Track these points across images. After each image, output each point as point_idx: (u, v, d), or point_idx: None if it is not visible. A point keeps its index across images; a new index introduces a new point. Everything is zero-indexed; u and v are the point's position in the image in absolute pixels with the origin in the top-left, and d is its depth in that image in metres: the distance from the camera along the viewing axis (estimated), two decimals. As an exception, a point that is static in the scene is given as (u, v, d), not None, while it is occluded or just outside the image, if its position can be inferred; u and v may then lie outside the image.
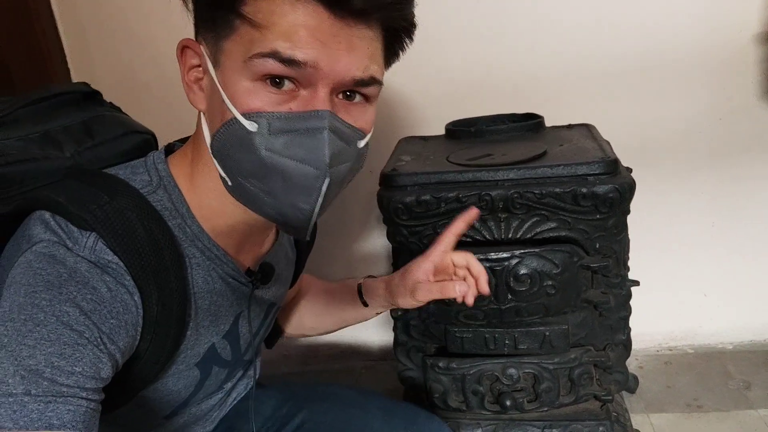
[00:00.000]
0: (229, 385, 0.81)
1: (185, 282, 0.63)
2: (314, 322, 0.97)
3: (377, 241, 1.52)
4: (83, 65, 1.45)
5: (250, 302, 0.73)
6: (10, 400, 0.47)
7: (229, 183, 0.62)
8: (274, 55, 0.54)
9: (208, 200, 0.65)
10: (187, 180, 0.65)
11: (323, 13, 0.54)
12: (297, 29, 0.54)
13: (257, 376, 0.85)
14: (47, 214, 0.57)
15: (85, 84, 0.80)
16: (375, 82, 0.60)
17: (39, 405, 0.48)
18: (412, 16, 0.62)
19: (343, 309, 0.93)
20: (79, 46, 1.44)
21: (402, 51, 0.65)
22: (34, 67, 1.36)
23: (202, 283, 0.65)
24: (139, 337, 0.59)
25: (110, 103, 0.82)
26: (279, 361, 1.60)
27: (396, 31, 0.61)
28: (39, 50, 1.35)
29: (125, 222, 0.58)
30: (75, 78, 1.44)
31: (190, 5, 0.61)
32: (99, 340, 0.53)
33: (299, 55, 0.54)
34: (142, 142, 0.78)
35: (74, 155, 0.69)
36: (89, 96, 0.79)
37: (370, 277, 0.91)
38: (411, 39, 0.65)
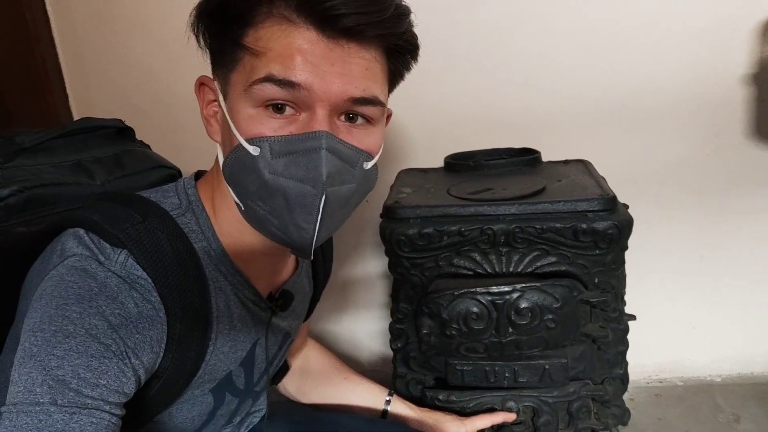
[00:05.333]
0: (237, 418, 0.81)
1: (208, 304, 0.64)
2: (319, 399, 1.02)
3: (371, 268, 1.52)
4: (81, 91, 1.45)
5: (268, 329, 0.74)
6: (37, 409, 0.49)
7: (242, 207, 0.64)
8: (270, 78, 0.56)
9: (228, 227, 0.67)
10: (211, 207, 0.67)
11: (315, 37, 0.57)
12: (291, 53, 0.56)
13: (266, 412, 0.85)
14: (81, 231, 0.59)
15: (119, 120, 0.85)
16: (374, 102, 0.61)
17: (64, 415, 0.49)
18: (412, 35, 0.64)
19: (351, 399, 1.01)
20: (77, 73, 1.44)
21: (406, 71, 0.67)
22: (33, 93, 1.36)
23: (224, 308, 0.67)
24: (162, 354, 0.60)
25: (141, 140, 0.85)
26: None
27: (398, 51, 0.63)
28: (38, 76, 1.35)
29: (155, 241, 0.60)
30: (74, 104, 1.44)
31: (202, 44, 0.64)
32: (124, 354, 0.54)
33: (293, 77, 0.56)
34: (168, 177, 0.82)
35: (104, 183, 0.73)
36: (122, 131, 0.84)
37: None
38: (415, 59, 0.67)
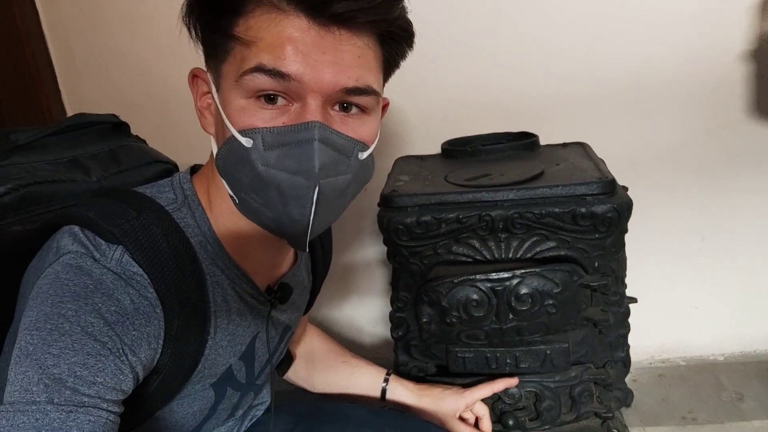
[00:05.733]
0: (240, 412, 0.81)
1: (206, 299, 0.64)
2: (324, 386, 1.03)
3: (370, 256, 1.52)
4: (73, 86, 1.44)
5: (267, 322, 0.74)
6: (33, 408, 0.49)
7: (236, 200, 0.63)
8: (260, 68, 0.55)
9: (225, 220, 0.66)
10: (207, 201, 0.67)
11: (306, 24, 0.55)
12: (281, 42, 0.55)
13: (272, 404, 0.85)
14: (76, 228, 0.59)
15: (114, 116, 0.85)
16: (368, 91, 0.60)
17: (61, 414, 0.49)
18: (406, 21, 0.62)
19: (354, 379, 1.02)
20: (68, 68, 1.43)
21: (401, 59, 0.66)
22: (24, 89, 1.35)
23: (221, 302, 0.66)
24: (160, 350, 0.59)
25: (136, 135, 0.85)
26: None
27: (391, 38, 0.62)
28: (29, 72, 1.34)
29: (150, 236, 0.59)
30: (66, 99, 1.43)
31: (194, 36, 0.63)
32: (121, 351, 0.54)
33: (283, 67, 0.55)
34: (165, 172, 0.82)
35: (100, 179, 0.73)
36: (117, 127, 0.84)
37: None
38: (410, 47, 0.65)
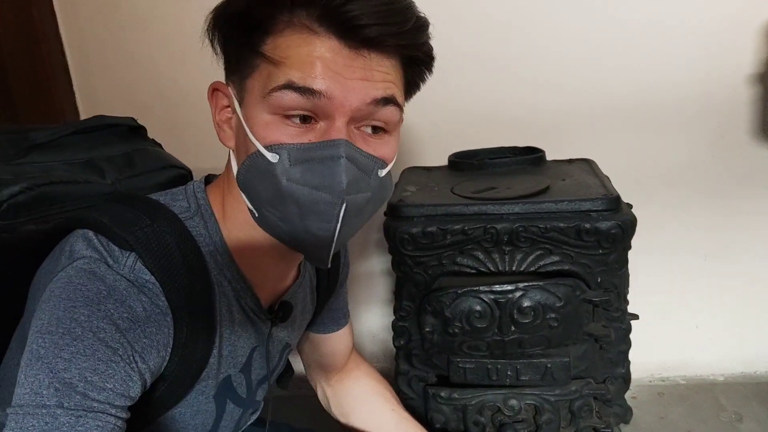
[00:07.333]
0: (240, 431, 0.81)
1: (213, 309, 0.64)
2: (360, 422, 0.94)
3: (375, 265, 1.53)
4: (87, 86, 1.46)
5: (268, 340, 0.74)
6: (43, 411, 0.49)
7: (256, 214, 0.63)
8: (290, 85, 0.55)
9: (237, 232, 0.66)
10: (220, 212, 0.67)
11: (337, 45, 0.56)
12: (312, 60, 0.55)
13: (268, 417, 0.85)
14: (90, 233, 0.59)
15: (132, 119, 0.84)
16: (394, 102, 0.60)
17: (70, 418, 0.49)
18: (429, 47, 0.63)
19: None
20: (83, 68, 1.45)
21: (422, 82, 0.67)
22: (39, 88, 1.36)
23: (226, 312, 0.66)
24: (168, 358, 0.60)
25: (152, 139, 0.85)
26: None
27: (414, 61, 0.63)
28: (44, 71, 1.35)
29: (163, 245, 0.59)
30: (79, 99, 1.45)
31: (218, 50, 0.63)
32: (131, 358, 0.54)
33: (313, 84, 0.55)
34: (179, 177, 0.81)
35: (114, 183, 0.73)
36: (134, 130, 0.84)
37: None
38: (430, 71, 0.66)
